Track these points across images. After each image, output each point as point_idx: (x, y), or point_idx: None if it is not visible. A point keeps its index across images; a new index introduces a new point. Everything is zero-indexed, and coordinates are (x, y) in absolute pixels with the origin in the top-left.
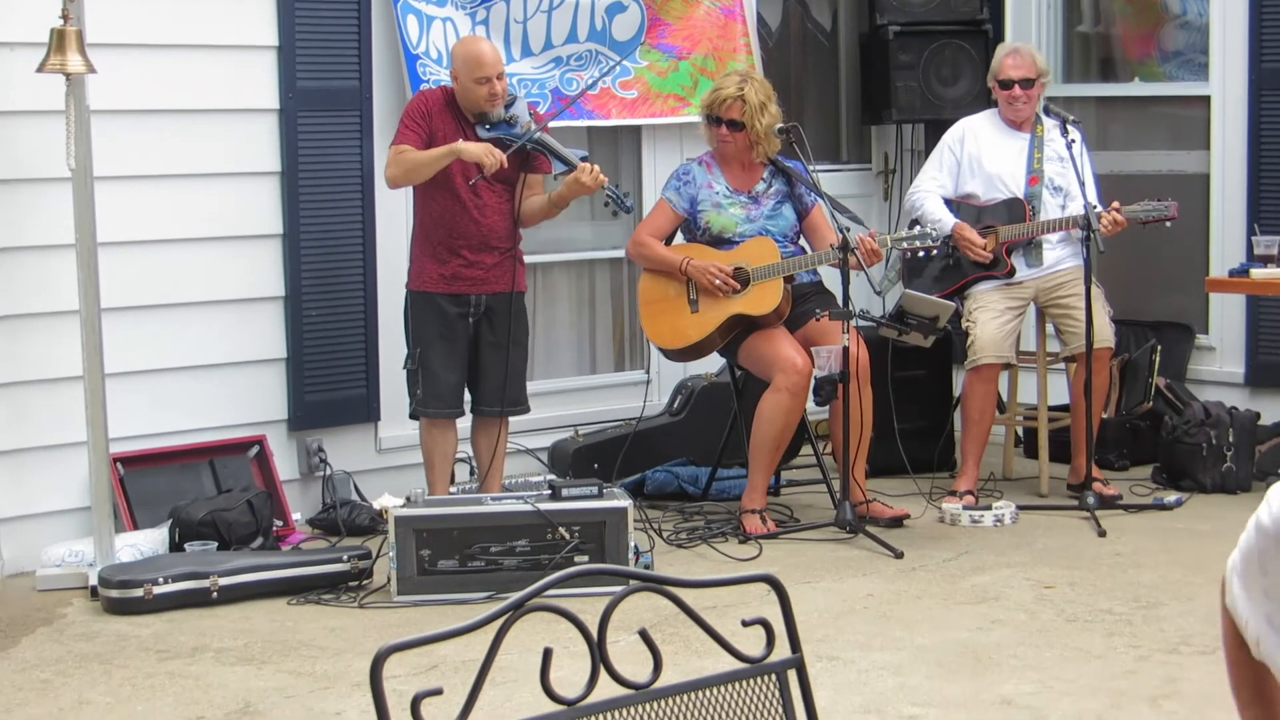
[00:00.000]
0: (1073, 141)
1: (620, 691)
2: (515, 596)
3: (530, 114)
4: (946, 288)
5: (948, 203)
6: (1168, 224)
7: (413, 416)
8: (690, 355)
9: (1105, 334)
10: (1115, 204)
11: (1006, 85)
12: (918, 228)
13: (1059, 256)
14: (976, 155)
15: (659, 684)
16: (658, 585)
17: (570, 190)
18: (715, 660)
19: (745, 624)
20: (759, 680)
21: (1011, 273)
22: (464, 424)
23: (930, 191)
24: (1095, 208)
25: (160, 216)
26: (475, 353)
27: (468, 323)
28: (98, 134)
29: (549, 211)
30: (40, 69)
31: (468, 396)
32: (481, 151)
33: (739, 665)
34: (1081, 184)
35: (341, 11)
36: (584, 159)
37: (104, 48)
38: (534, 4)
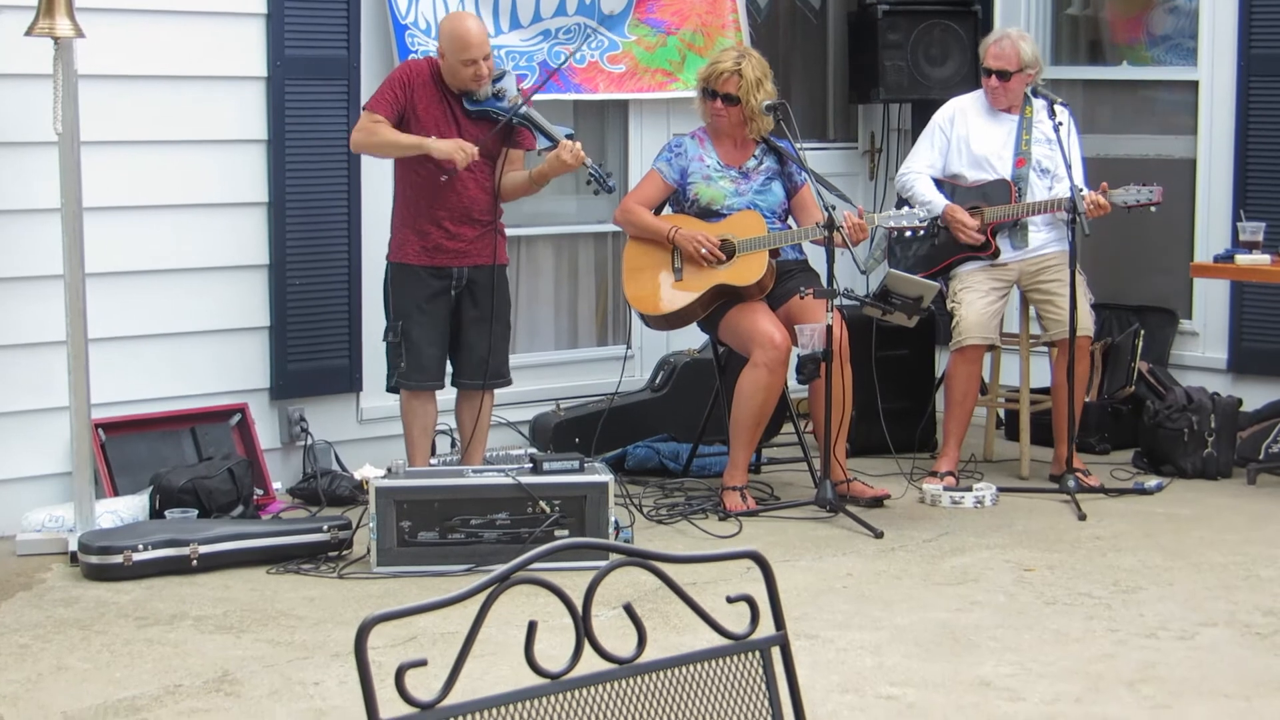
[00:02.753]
0: (1060, 124)
1: (603, 666)
2: (501, 569)
3: (518, 89)
4: (931, 268)
5: (936, 183)
6: (1153, 209)
7: (392, 389)
8: (671, 323)
9: (1085, 322)
10: (1104, 184)
11: (986, 74)
12: (905, 207)
13: (1044, 240)
14: (965, 136)
15: (642, 659)
16: (643, 560)
17: (551, 167)
18: (694, 636)
19: (730, 600)
20: (742, 657)
21: (996, 254)
22: (446, 396)
23: (921, 173)
24: (1081, 190)
25: (145, 182)
26: (457, 326)
27: (449, 296)
28: (85, 98)
29: (529, 188)
30: (29, 32)
31: (448, 369)
32: (451, 149)
33: (722, 641)
34: (1068, 166)
35: None
36: (568, 136)
37: (93, 12)
38: None
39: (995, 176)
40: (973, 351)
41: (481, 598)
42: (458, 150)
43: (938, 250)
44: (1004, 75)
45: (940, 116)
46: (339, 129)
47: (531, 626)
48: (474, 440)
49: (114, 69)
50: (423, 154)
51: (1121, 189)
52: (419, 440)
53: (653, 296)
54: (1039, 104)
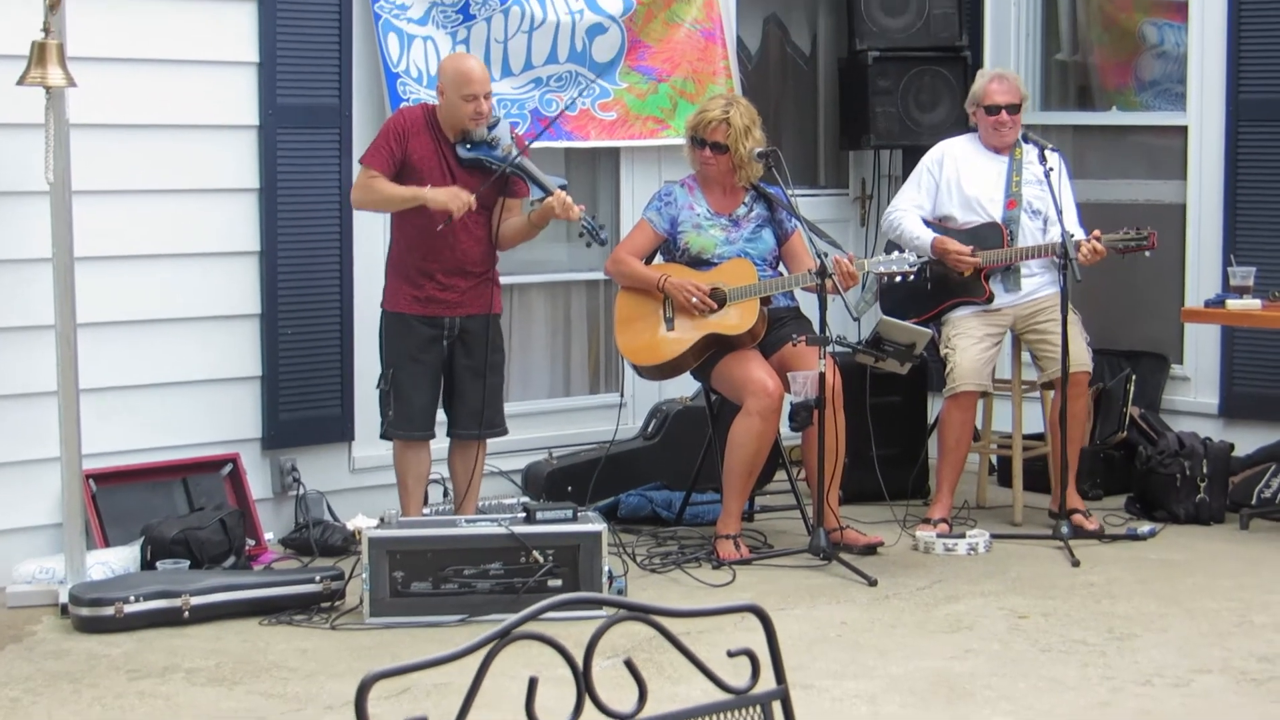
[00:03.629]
0: (1050, 169)
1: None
2: (502, 625)
3: (511, 137)
4: (924, 313)
5: (927, 224)
6: (1147, 253)
7: (384, 437)
8: (664, 374)
9: (1083, 358)
10: (1096, 232)
11: (993, 111)
12: (895, 252)
13: (1038, 283)
14: (955, 178)
15: (642, 713)
16: (644, 615)
17: (541, 216)
18: (689, 686)
19: (731, 655)
20: (743, 711)
21: (990, 299)
22: (440, 445)
23: (908, 210)
24: (1073, 236)
25: (137, 232)
26: (450, 376)
27: (441, 345)
28: (76, 148)
29: (529, 232)
30: (20, 82)
31: (440, 417)
32: (447, 198)
33: (721, 695)
34: (1059, 211)
35: (322, 29)
36: (562, 187)
37: (85, 61)
38: (515, 24)
39: (986, 219)
40: (966, 398)
41: (481, 653)
42: (454, 199)
43: (931, 295)
44: (1014, 108)
45: (929, 159)
46: (331, 178)
47: (532, 683)
48: (468, 490)
49: (106, 118)
50: (418, 204)
51: (1116, 233)
52: (413, 489)
53: (645, 347)
54: (1029, 147)
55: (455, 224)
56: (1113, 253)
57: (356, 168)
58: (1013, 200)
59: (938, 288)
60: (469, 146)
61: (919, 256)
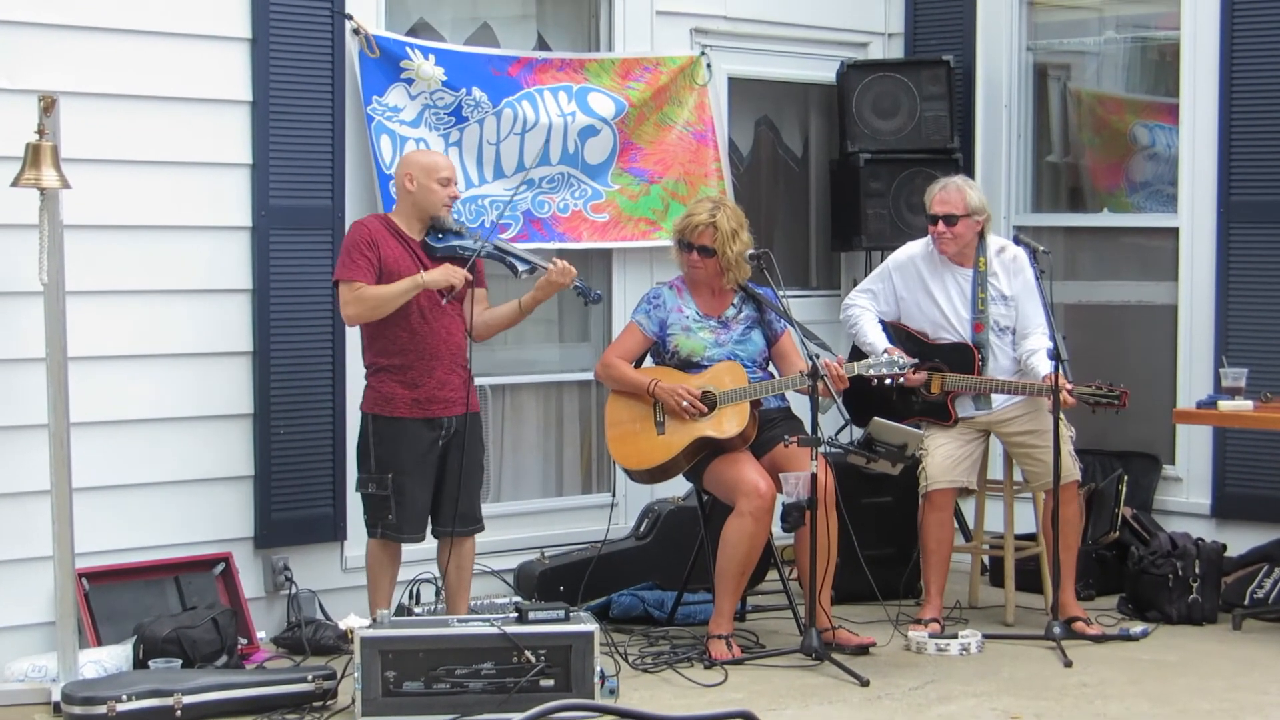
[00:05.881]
0: (1042, 272)
1: None
2: None
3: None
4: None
5: (892, 327)
6: (1116, 413)
7: (379, 539)
8: (656, 477)
9: (1068, 465)
10: (1068, 385)
11: (931, 220)
12: (885, 355)
13: (1006, 397)
14: (917, 295)
15: None
16: None
17: (544, 291)
18: None
19: None
20: None
21: (955, 422)
22: (426, 546)
23: (865, 308)
24: (1063, 374)
25: (131, 332)
26: (441, 476)
27: (439, 446)
28: (70, 248)
29: (518, 317)
30: (15, 183)
31: None
32: (444, 275)
33: None
34: (1048, 313)
35: (315, 131)
36: (544, 258)
37: (78, 162)
38: (507, 127)
39: (956, 338)
40: (939, 497)
41: None
42: (448, 273)
43: (898, 405)
44: (951, 219)
45: (892, 262)
46: (323, 278)
47: None
48: (458, 589)
49: (99, 219)
50: (419, 290)
51: (1088, 386)
52: (386, 589)
53: (636, 451)
54: (991, 254)
55: (443, 318)
56: (1082, 405)
57: None
58: (979, 323)
59: (903, 401)
60: (440, 237)
61: (907, 362)
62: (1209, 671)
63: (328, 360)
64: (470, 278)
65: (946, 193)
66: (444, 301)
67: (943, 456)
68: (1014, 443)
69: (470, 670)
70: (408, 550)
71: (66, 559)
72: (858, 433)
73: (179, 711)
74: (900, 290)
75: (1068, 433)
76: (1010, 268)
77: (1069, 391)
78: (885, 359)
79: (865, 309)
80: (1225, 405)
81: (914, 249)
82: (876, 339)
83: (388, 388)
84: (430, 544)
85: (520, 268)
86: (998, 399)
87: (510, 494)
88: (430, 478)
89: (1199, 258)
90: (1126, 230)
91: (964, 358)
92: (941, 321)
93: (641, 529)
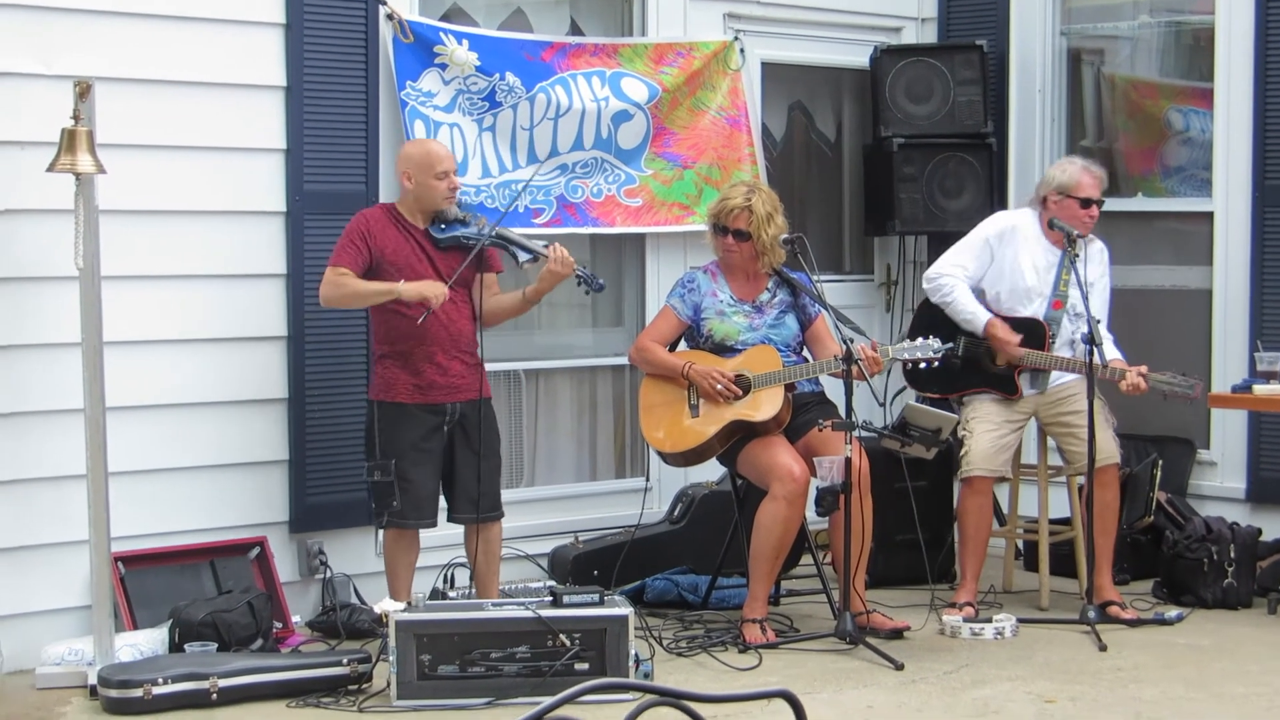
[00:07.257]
0: (1077, 256)
1: None
2: (538, 708)
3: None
4: (949, 391)
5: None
6: (1188, 405)
7: (385, 527)
8: (689, 460)
9: (1109, 449)
10: (1144, 368)
11: (1087, 204)
12: (920, 339)
13: (1059, 374)
14: (1015, 263)
15: None
16: (676, 700)
17: (546, 281)
18: None
19: None
20: None
21: (1019, 396)
22: (455, 530)
23: (959, 280)
24: (1115, 360)
25: (165, 317)
26: (450, 462)
27: (443, 432)
28: (106, 233)
29: (523, 307)
30: (51, 169)
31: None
32: (423, 289)
33: None
34: (1085, 298)
35: (349, 116)
36: (545, 246)
37: (114, 148)
38: (540, 111)
39: (1030, 313)
40: (980, 483)
41: None
42: (430, 289)
43: (959, 375)
44: (1101, 202)
45: (990, 230)
46: None
47: None
48: (487, 575)
49: (135, 204)
50: (394, 299)
51: (1163, 375)
52: (405, 577)
53: (670, 434)
54: (1081, 241)
55: (446, 305)
56: (1154, 394)
57: None
58: (1059, 301)
59: (968, 370)
60: (443, 227)
61: (944, 343)
62: (1244, 656)
63: (362, 345)
64: (447, 295)
65: (1095, 174)
66: (419, 320)
67: (988, 443)
68: (1060, 422)
69: (505, 654)
70: (441, 535)
71: (102, 543)
72: (890, 418)
73: (214, 694)
74: (996, 256)
75: (1110, 419)
76: (1096, 256)
77: (1143, 375)
78: (921, 342)
79: (959, 280)
80: (1260, 389)
81: (1015, 219)
82: (978, 309)
83: (391, 373)
84: (460, 529)
85: (522, 257)
86: (1053, 377)
87: (545, 478)
88: (436, 464)
89: (1233, 242)
90: (1161, 215)
91: (1035, 333)
92: (1023, 292)
93: (675, 513)
